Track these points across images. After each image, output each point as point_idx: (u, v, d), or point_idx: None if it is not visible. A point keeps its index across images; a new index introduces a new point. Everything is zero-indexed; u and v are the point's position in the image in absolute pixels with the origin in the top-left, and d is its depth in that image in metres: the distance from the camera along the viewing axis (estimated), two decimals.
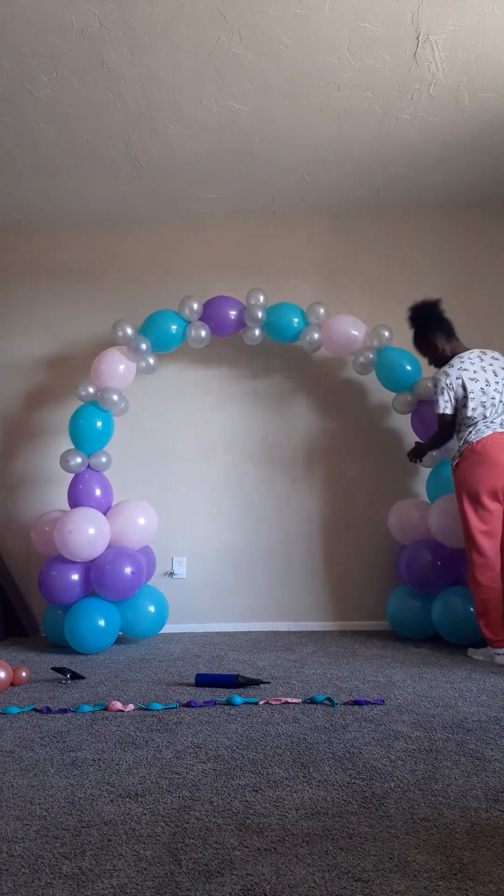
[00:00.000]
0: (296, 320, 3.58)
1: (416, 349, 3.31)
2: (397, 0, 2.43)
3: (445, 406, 3.03)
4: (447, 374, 3.03)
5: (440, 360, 3.21)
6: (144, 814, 1.53)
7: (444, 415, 3.05)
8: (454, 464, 3.03)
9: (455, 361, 3.07)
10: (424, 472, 3.78)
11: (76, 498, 3.45)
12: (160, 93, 2.90)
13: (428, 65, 2.75)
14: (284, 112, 3.05)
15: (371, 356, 3.55)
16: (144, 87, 2.86)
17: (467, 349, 3.16)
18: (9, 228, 4.10)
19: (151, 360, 3.63)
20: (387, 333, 3.55)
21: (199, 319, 3.63)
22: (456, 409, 3.05)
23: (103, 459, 3.52)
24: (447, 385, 3.02)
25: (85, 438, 3.49)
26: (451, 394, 3.02)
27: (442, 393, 3.02)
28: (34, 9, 2.42)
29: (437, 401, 3.04)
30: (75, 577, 3.27)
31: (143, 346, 3.55)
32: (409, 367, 3.49)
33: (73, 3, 2.40)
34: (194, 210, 3.95)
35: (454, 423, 3.08)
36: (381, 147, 3.35)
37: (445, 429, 3.09)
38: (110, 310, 4.03)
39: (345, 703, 2.34)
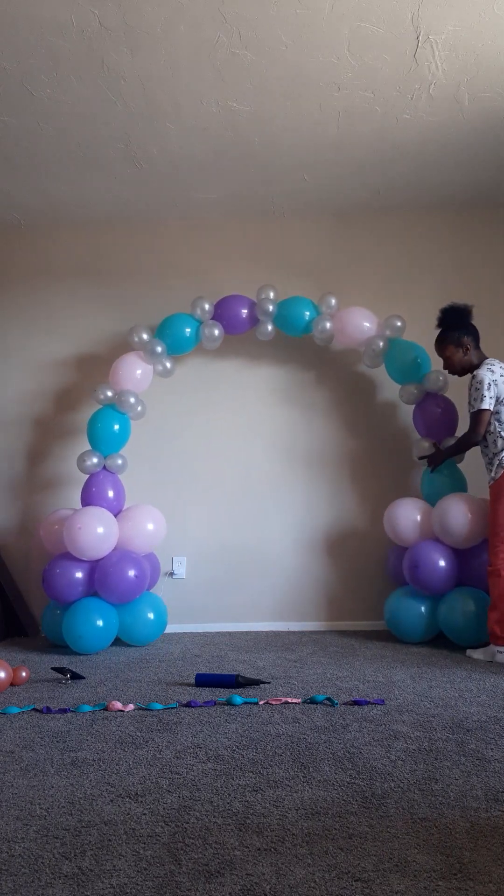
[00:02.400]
0: (307, 313, 3.63)
1: (441, 351, 3.27)
2: (397, 0, 2.43)
3: (490, 402, 3.03)
4: (492, 371, 3.06)
5: (461, 366, 3.23)
6: (144, 814, 1.53)
7: (484, 411, 3.04)
8: (494, 479, 3.05)
9: (491, 362, 3.12)
10: (419, 471, 3.78)
11: (89, 499, 3.46)
12: (160, 93, 2.90)
13: (428, 65, 2.75)
14: (284, 112, 3.05)
15: (382, 344, 3.57)
16: (144, 87, 2.86)
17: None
18: (8, 228, 4.10)
19: (168, 364, 3.71)
20: (399, 323, 3.59)
21: (212, 319, 3.69)
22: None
23: (119, 462, 3.55)
24: (493, 382, 3.04)
25: (102, 440, 3.52)
26: (495, 390, 3.04)
27: (489, 388, 3.03)
28: (34, 9, 2.42)
29: (483, 397, 3.03)
30: (79, 575, 3.28)
31: (159, 349, 3.62)
32: (419, 360, 3.53)
33: (73, 3, 2.40)
34: (194, 210, 3.95)
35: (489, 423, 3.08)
36: (381, 147, 3.35)
37: (481, 427, 3.06)
38: (109, 310, 4.04)
39: (345, 703, 2.34)
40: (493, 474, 3.06)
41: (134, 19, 2.49)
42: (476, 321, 4.01)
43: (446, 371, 3.35)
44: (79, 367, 4.03)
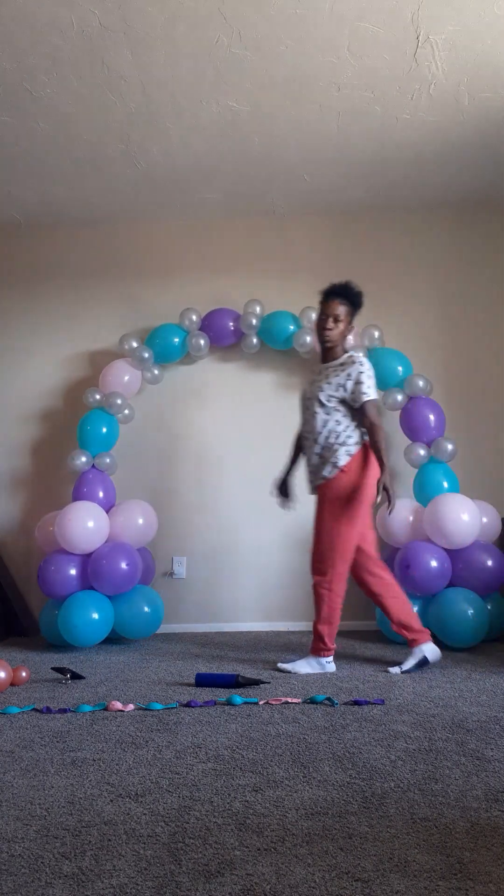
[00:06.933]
0: (291, 327, 3.74)
1: (334, 309, 2.83)
2: (397, 0, 2.43)
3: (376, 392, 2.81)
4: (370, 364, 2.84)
5: (340, 337, 2.86)
6: (144, 814, 1.53)
7: (375, 401, 2.78)
8: (346, 466, 2.76)
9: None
10: (412, 471, 3.78)
11: (80, 497, 3.51)
12: (160, 93, 2.90)
13: (428, 65, 2.75)
14: (284, 112, 3.05)
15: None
16: (144, 87, 2.86)
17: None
18: (8, 228, 4.10)
19: (156, 371, 3.84)
20: (377, 333, 3.66)
21: (199, 330, 3.81)
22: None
23: (108, 461, 3.62)
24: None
25: (91, 440, 3.62)
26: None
27: (373, 379, 2.80)
28: (34, 9, 2.42)
29: (374, 385, 2.79)
30: (73, 571, 3.31)
31: (146, 356, 3.73)
32: (399, 368, 3.57)
33: (73, 3, 2.40)
34: (194, 210, 3.95)
35: None
36: (381, 147, 3.35)
37: (379, 419, 2.77)
38: (110, 310, 4.05)
39: (345, 703, 2.34)
40: (343, 464, 2.77)
41: (134, 19, 2.49)
42: (474, 319, 4.04)
43: (315, 329, 2.93)
44: (80, 367, 4.04)
